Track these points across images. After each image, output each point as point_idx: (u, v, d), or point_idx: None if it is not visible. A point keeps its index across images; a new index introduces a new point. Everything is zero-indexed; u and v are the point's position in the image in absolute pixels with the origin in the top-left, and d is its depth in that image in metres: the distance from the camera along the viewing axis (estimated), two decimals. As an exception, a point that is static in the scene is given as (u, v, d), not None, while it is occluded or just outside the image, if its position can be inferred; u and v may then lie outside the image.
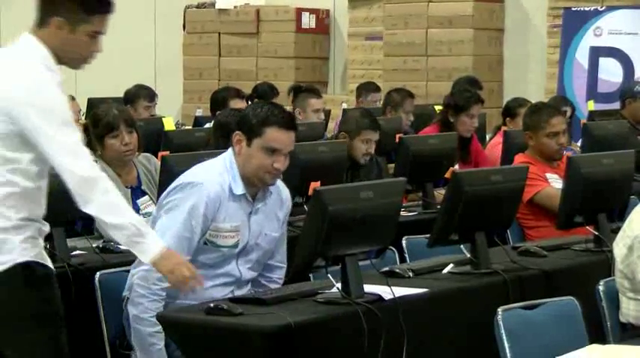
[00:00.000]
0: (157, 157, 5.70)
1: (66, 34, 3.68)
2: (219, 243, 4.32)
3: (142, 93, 9.22)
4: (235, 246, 4.34)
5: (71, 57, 3.74)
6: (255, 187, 4.37)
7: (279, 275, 4.57)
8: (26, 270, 3.63)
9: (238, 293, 4.34)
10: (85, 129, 5.68)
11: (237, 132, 4.35)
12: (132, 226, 3.61)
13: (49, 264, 3.73)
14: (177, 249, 3.97)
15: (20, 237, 3.62)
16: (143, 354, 4.21)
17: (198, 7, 13.63)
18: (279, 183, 4.49)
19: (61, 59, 3.71)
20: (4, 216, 3.60)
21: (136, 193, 5.56)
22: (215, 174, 4.33)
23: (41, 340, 3.67)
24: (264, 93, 9.69)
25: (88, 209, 3.59)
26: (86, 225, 4.95)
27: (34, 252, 3.66)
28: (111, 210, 3.60)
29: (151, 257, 3.66)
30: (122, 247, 4.33)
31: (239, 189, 4.32)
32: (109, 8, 3.74)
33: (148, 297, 4.19)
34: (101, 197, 3.58)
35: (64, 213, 4.80)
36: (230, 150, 4.40)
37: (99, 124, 5.56)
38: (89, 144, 5.54)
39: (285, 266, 4.59)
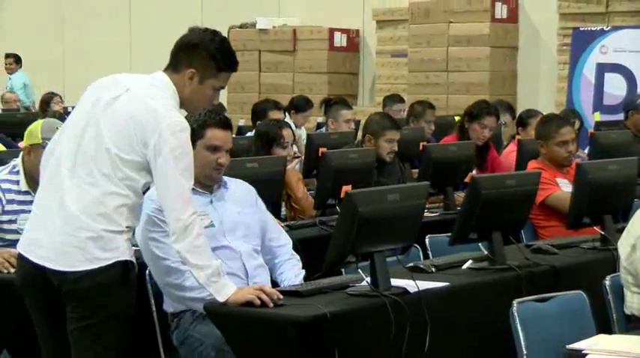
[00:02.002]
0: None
1: (195, 84, 3.78)
2: None
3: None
4: (212, 225, 4.35)
5: (193, 105, 3.87)
6: (207, 186, 4.42)
7: (285, 253, 4.57)
8: (124, 268, 3.71)
9: (248, 263, 4.36)
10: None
11: None
12: (211, 268, 3.73)
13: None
14: None
15: (124, 237, 3.71)
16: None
17: (241, 27, 13.66)
18: (236, 179, 4.56)
19: (182, 103, 3.81)
20: (115, 222, 3.68)
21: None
22: None
23: (118, 334, 3.73)
24: (300, 104, 9.69)
25: (178, 246, 3.69)
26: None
27: (132, 252, 3.76)
28: (198, 252, 3.70)
29: (227, 295, 3.77)
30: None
31: None
32: (236, 68, 3.86)
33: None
34: (193, 240, 3.68)
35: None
36: None
37: None
38: None
39: (288, 242, 4.61)
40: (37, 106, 13.37)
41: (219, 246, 4.33)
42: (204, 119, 4.37)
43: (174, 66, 3.80)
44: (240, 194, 4.54)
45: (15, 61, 14.93)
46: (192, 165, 3.74)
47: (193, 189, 4.31)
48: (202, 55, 3.78)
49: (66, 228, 3.65)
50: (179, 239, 3.68)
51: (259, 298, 3.83)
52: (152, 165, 3.67)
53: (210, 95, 3.85)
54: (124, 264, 3.70)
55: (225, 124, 4.43)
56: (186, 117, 4.38)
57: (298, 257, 4.60)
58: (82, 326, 3.68)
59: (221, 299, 3.78)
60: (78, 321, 3.67)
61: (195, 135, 4.32)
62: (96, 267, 3.65)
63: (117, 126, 3.68)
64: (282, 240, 4.62)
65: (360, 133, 8.64)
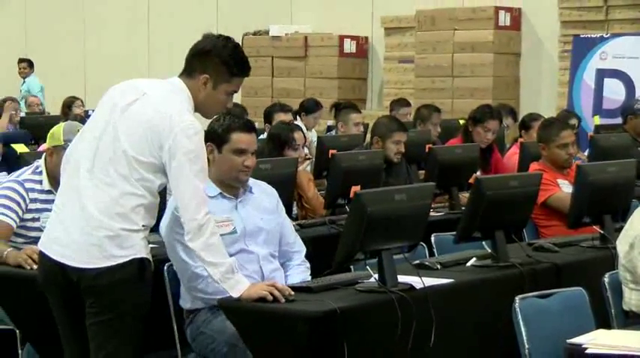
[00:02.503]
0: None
1: (209, 89, 3.78)
2: (220, 231, 4.30)
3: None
4: (234, 232, 4.34)
5: (207, 109, 3.86)
6: (232, 188, 4.40)
7: (297, 258, 4.54)
8: (141, 265, 3.71)
9: (265, 267, 4.35)
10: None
11: (207, 143, 4.35)
12: (225, 265, 3.74)
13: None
14: None
15: (141, 235, 3.71)
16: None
17: (254, 34, 13.67)
18: (259, 181, 4.53)
19: (196, 108, 3.80)
20: (132, 221, 3.68)
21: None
22: None
23: (133, 330, 3.73)
24: (310, 107, 9.70)
25: (193, 245, 3.70)
26: (157, 222, 4.97)
27: (148, 250, 3.76)
28: (212, 250, 3.71)
29: (241, 291, 3.78)
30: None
31: (211, 191, 4.32)
32: (248, 73, 3.86)
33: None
34: (207, 239, 3.69)
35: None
36: None
37: None
38: None
39: (302, 249, 4.57)
40: (48, 109, 13.39)
41: (239, 250, 4.33)
42: (228, 124, 4.35)
43: (188, 72, 3.80)
44: (263, 200, 4.50)
45: (29, 65, 14.92)
46: (206, 167, 3.74)
47: (220, 193, 4.34)
48: (215, 62, 3.78)
49: (85, 228, 3.66)
50: (194, 238, 3.68)
51: (271, 294, 3.84)
52: (167, 168, 3.67)
53: (224, 100, 3.85)
54: (141, 261, 3.71)
55: (250, 127, 4.40)
56: (211, 123, 4.41)
57: (308, 265, 4.56)
58: (99, 320, 3.68)
59: (235, 294, 3.78)
60: (95, 316, 3.68)
61: (221, 140, 4.33)
62: (114, 263, 3.65)
63: (133, 129, 3.68)
64: (296, 247, 4.58)
65: (368, 136, 8.66)
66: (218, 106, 3.87)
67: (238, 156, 4.34)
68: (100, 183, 3.68)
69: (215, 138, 4.36)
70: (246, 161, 4.35)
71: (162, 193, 4.06)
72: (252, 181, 4.49)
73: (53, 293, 3.80)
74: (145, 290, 3.75)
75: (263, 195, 4.51)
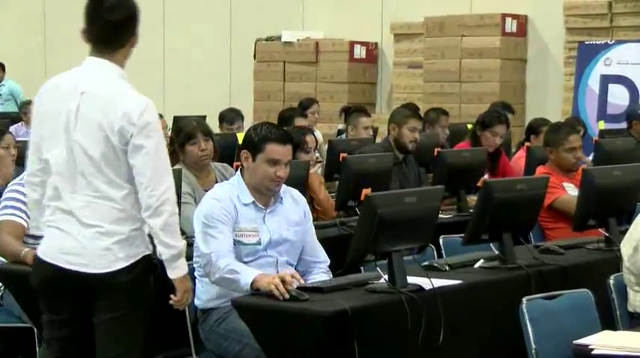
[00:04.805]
0: (232, 167, 5.71)
1: (128, 50, 3.71)
2: (245, 241, 4.32)
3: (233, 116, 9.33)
4: (258, 243, 4.32)
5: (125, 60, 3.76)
6: (265, 196, 4.37)
7: (321, 268, 4.48)
8: (147, 260, 3.68)
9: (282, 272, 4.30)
10: (171, 141, 5.71)
11: (243, 150, 4.36)
12: (178, 249, 3.64)
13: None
14: None
15: (145, 231, 3.66)
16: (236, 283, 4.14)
17: (267, 40, 13.66)
18: (290, 188, 4.50)
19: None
20: (136, 218, 3.63)
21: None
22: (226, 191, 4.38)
23: (143, 323, 3.70)
24: (305, 103, 9.89)
25: (152, 221, 3.59)
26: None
27: (149, 245, 3.71)
28: (170, 231, 3.61)
29: (181, 275, 3.67)
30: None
31: (245, 198, 4.33)
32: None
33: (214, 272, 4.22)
34: (167, 218, 3.59)
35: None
36: (238, 171, 4.45)
37: (180, 134, 5.58)
38: (173, 152, 5.57)
39: (325, 260, 4.51)
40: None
41: (257, 257, 4.33)
42: (264, 134, 4.33)
43: (111, 47, 3.65)
44: (292, 210, 4.45)
45: (2, 69, 14.43)
46: (163, 141, 3.64)
47: (253, 202, 4.36)
48: (134, 31, 3.69)
49: (95, 241, 3.59)
50: (153, 215, 3.58)
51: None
52: (128, 149, 3.57)
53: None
54: (149, 256, 3.68)
55: (285, 139, 4.37)
56: (248, 130, 4.41)
57: (331, 275, 4.48)
58: (113, 317, 3.62)
59: (173, 276, 3.67)
60: (111, 312, 3.62)
61: (256, 149, 4.32)
62: (129, 263, 3.62)
63: (91, 131, 3.57)
64: (320, 257, 4.52)
65: (377, 140, 8.65)
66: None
67: (271, 166, 4.31)
68: (90, 199, 3.59)
69: (250, 146, 4.35)
70: (278, 171, 4.32)
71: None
72: (283, 188, 4.45)
73: (56, 300, 3.68)
74: (151, 285, 3.71)
75: (292, 205, 4.46)
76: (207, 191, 5.43)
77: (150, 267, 3.68)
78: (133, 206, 3.62)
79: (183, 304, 3.75)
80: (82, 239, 3.60)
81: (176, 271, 3.67)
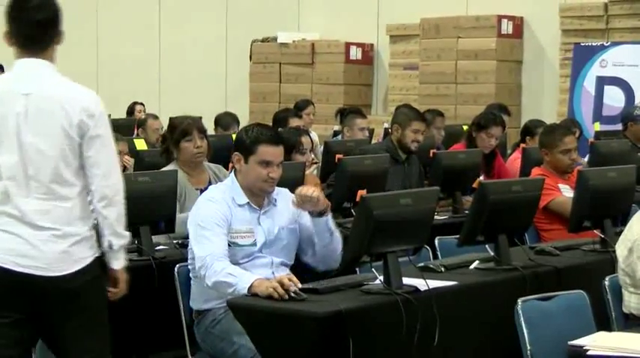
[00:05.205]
0: (226, 169, 5.71)
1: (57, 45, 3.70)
2: (240, 242, 4.33)
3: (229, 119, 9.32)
4: (253, 244, 4.33)
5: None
6: (259, 197, 4.39)
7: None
8: (100, 261, 3.64)
9: (277, 273, 4.30)
10: (164, 139, 5.71)
11: (235, 153, 4.38)
12: (127, 239, 3.64)
13: None
14: None
15: (94, 233, 3.64)
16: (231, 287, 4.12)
17: (262, 41, 13.67)
18: (282, 189, 4.51)
19: None
20: (89, 216, 3.61)
21: (204, 195, 5.54)
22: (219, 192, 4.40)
23: (106, 323, 3.67)
24: (300, 105, 9.87)
25: (106, 211, 3.58)
26: (168, 224, 4.97)
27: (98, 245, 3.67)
28: (122, 221, 3.61)
29: (124, 265, 3.66)
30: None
31: (240, 199, 4.35)
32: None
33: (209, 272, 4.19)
34: (120, 209, 3.60)
35: (149, 214, 4.83)
36: (232, 173, 4.46)
37: (175, 131, 5.58)
38: (167, 149, 5.57)
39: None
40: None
41: (253, 258, 4.33)
42: (256, 135, 4.36)
43: (41, 46, 3.62)
44: (285, 211, 4.46)
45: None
46: (110, 130, 3.62)
47: (248, 203, 4.36)
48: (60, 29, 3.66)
49: (50, 244, 3.54)
50: (109, 204, 3.56)
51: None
52: (84, 142, 3.55)
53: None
54: (100, 258, 3.64)
55: (276, 140, 4.40)
56: (239, 132, 4.41)
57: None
58: (79, 324, 3.58)
59: (116, 267, 3.65)
60: (74, 320, 3.57)
61: (248, 151, 4.34)
62: (83, 265, 3.58)
63: (47, 131, 3.53)
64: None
65: (373, 141, 8.65)
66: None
67: (264, 167, 4.34)
68: (46, 202, 3.54)
69: (242, 148, 4.37)
70: (271, 173, 4.35)
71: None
72: (276, 190, 4.47)
73: (12, 307, 3.57)
74: (105, 286, 3.67)
75: (286, 206, 4.46)
76: (199, 189, 5.44)
77: (103, 265, 3.65)
78: (85, 204, 3.60)
79: (119, 295, 3.70)
80: (36, 242, 3.53)
81: (120, 261, 3.67)
